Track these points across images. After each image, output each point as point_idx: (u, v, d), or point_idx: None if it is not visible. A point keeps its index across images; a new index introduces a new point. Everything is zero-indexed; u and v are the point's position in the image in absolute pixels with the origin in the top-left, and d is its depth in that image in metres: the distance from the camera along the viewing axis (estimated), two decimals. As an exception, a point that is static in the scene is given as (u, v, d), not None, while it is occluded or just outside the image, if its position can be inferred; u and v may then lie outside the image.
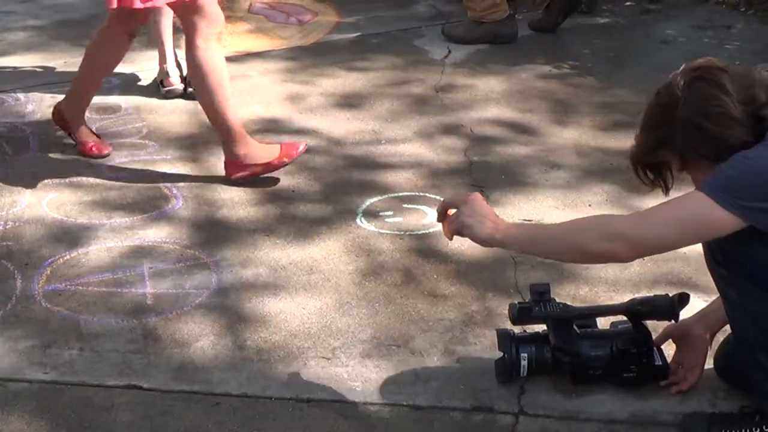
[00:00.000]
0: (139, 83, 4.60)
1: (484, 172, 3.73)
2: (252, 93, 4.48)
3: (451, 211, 2.32)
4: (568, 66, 4.83)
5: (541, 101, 4.42)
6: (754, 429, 2.29)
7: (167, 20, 4.39)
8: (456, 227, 2.28)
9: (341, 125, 4.08)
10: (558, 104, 4.37)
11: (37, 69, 4.82)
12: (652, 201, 3.37)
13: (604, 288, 2.96)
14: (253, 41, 5.19)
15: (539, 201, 3.50)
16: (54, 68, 4.82)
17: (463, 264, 3.11)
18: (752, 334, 2.26)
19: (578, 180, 3.65)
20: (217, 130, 3.62)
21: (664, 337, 2.56)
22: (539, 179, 3.66)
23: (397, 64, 4.81)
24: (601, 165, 3.77)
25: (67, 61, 4.87)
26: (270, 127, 4.09)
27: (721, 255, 2.22)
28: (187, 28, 3.52)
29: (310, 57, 4.95)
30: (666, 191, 2.31)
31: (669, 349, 2.56)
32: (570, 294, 2.90)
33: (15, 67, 4.84)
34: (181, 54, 4.53)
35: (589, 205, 3.45)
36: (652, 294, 2.59)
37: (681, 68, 2.21)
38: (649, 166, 2.29)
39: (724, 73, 2.13)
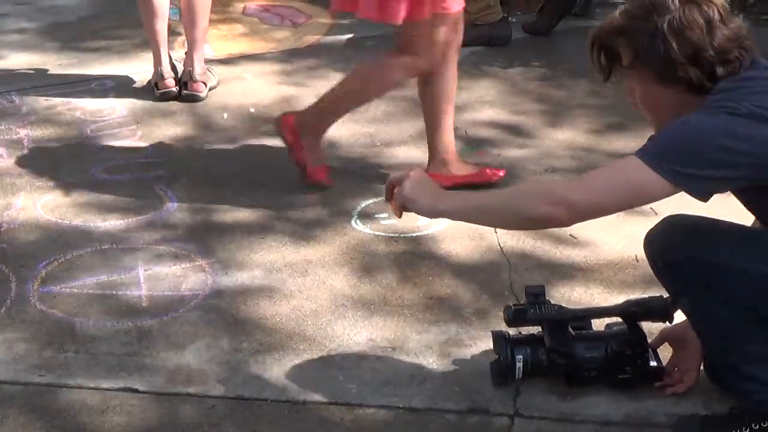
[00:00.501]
0: (134, 85, 4.60)
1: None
2: (247, 95, 4.48)
3: (396, 189, 2.33)
4: (562, 68, 4.84)
5: (535, 103, 4.43)
6: (743, 429, 2.31)
7: (162, 22, 4.39)
8: (400, 202, 2.30)
9: (336, 127, 4.06)
10: (552, 106, 4.38)
11: (32, 71, 4.81)
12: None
13: (599, 289, 2.97)
14: (247, 43, 5.20)
15: (534, 203, 3.50)
16: (49, 70, 4.82)
17: (458, 266, 3.12)
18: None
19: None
20: (431, 143, 3.61)
21: (660, 341, 2.57)
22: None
23: (391, 67, 4.81)
24: (595, 167, 3.75)
25: (62, 63, 4.87)
26: (264, 130, 4.10)
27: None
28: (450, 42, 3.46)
29: (304, 59, 4.96)
30: (606, 80, 2.33)
31: (666, 352, 2.57)
32: (564, 296, 2.91)
33: (10, 69, 4.84)
34: (176, 56, 4.55)
35: (584, 208, 3.45)
36: (646, 296, 2.59)
37: None
38: (605, 48, 2.29)
39: (718, 12, 2.15)
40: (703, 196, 2.11)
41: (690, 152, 2.06)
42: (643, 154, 2.10)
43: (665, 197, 2.11)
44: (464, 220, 2.39)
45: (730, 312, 2.24)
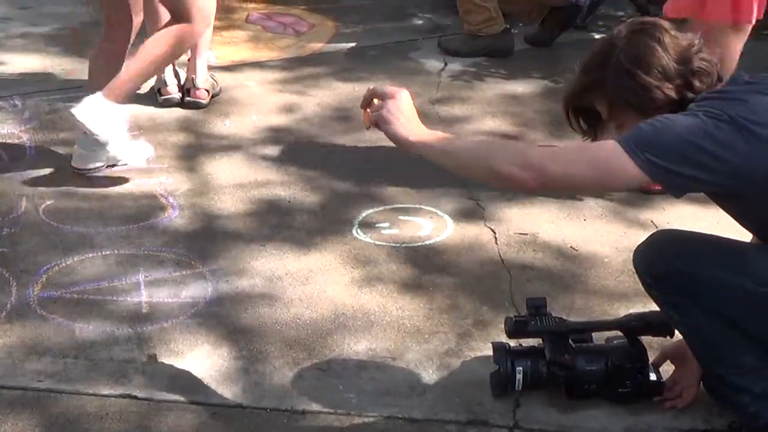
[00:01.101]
0: (137, 92, 4.58)
1: (480, 185, 3.72)
2: (249, 103, 4.48)
3: (376, 102, 2.26)
4: (564, 80, 4.83)
5: (536, 114, 4.43)
6: None
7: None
8: (375, 119, 2.23)
9: (338, 136, 4.08)
10: (554, 118, 4.37)
11: (35, 75, 4.81)
12: (650, 214, 3.41)
13: (599, 302, 2.97)
14: (250, 51, 5.20)
15: (535, 215, 3.51)
16: (52, 75, 4.82)
17: (459, 276, 3.12)
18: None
19: (574, 194, 3.66)
20: None
21: (661, 358, 2.57)
22: (535, 193, 3.66)
23: (393, 76, 4.82)
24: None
25: (65, 68, 4.87)
26: (266, 137, 4.10)
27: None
28: None
29: (307, 67, 4.96)
30: (594, 140, 2.34)
31: (668, 368, 2.58)
32: (565, 308, 2.91)
33: (12, 74, 4.83)
34: (179, 62, 4.55)
35: (584, 219, 3.46)
36: (647, 310, 2.59)
37: (627, 21, 2.28)
38: (580, 111, 2.33)
39: (665, 31, 2.20)
40: (674, 191, 2.13)
41: (666, 145, 2.07)
42: (621, 139, 2.10)
43: (636, 185, 2.13)
44: (432, 160, 2.26)
45: (719, 325, 2.24)
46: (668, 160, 2.05)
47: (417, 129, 2.21)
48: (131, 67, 3.67)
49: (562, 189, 2.23)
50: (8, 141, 4.06)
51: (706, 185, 2.15)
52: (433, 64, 5.05)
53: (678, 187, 2.12)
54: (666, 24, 2.23)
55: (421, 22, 5.77)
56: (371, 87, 2.30)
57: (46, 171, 3.79)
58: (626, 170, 2.07)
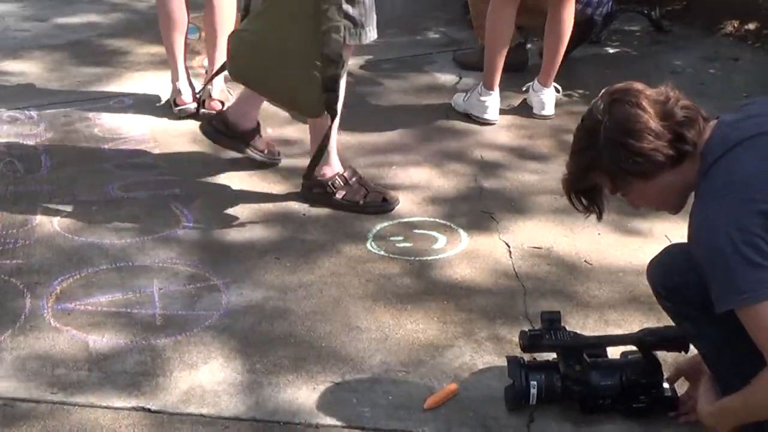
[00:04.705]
0: (152, 102, 4.61)
1: (494, 198, 3.74)
2: (264, 115, 4.48)
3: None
4: (578, 95, 4.84)
5: (550, 129, 4.43)
6: None
7: (180, 36, 4.40)
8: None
9: (352, 149, 4.08)
10: (567, 132, 4.35)
11: (51, 87, 4.83)
12: (664, 228, 3.39)
13: (614, 316, 2.96)
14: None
15: (549, 228, 3.50)
16: (68, 87, 4.84)
17: (472, 290, 3.11)
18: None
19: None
20: None
21: (675, 374, 2.56)
22: (548, 206, 3.66)
23: (408, 90, 4.83)
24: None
25: (81, 80, 4.89)
26: (281, 150, 4.10)
27: None
28: None
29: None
30: (600, 216, 2.40)
31: (683, 383, 2.56)
32: (579, 322, 2.90)
33: (29, 85, 4.86)
34: (193, 72, 4.57)
35: (599, 234, 3.45)
36: (662, 325, 2.58)
37: (601, 92, 2.30)
38: (582, 192, 2.37)
39: (640, 94, 2.22)
40: None
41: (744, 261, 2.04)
42: (729, 300, 2.08)
43: None
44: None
45: (731, 335, 2.22)
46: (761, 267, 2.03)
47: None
48: None
49: None
50: (24, 152, 4.08)
51: None
52: (448, 77, 5.05)
53: None
54: (639, 86, 2.25)
55: (436, 36, 5.77)
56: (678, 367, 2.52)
57: (61, 183, 3.80)
58: None
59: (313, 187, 3.65)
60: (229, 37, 3.58)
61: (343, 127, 4.07)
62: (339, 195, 3.62)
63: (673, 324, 2.48)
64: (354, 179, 3.66)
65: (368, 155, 4.09)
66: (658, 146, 2.17)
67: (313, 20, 3.22)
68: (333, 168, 3.65)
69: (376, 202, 3.62)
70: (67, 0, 6.23)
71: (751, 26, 5.70)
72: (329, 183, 3.62)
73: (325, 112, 3.35)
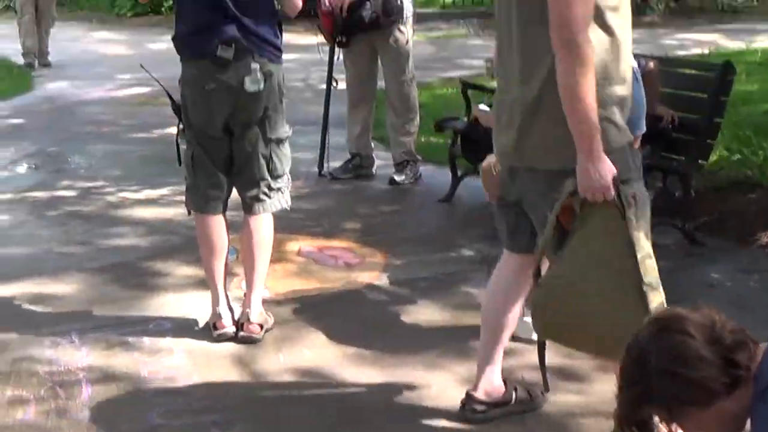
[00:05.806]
0: (191, 326, 4.63)
1: (538, 421, 3.68)
2: (298, 336, 4.50)
3: None
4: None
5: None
6: None
7: (219, 262, 4.48)
8: None
9: (389, 369, 4.06)
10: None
11: (92, 311, 4.86)
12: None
13: None
14: (301, 283, 5.25)
15: None
16: (108, 311, 4.87)
17: None
18: None
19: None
20: None
21: None
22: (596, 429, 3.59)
23: (444, 309, 4.82)
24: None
25: (121, 303, 4.94)
26: (314, 380, 4.09)
27: None
28: None
29: (357, 307, 4.94)
30: None
31: None
32: None
33: (71, 311, 4.88)
34: (233, 296, 4.62)
35: None
36: None
37: (645, 322, 2.28)
38: (637, 425, 2.27)
39: (686, 320, 2.19)
40: None
41: None
42: None
43: None
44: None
45: None
46: None
47: None
48: None
49: None
50: (65, 378, 4.08)
51: None
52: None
53: None
54: (683, 311, 2.24)
55: (471, 253, 5.78)
56: None
57: (102, 411, 3.78)
58: None
59: None
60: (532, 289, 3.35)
61: (375, 347, 4.07)
62: None
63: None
64: None
65: (401, 377, 4.05)
66: (711, 373, 2.13)
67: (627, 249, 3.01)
68: None
69: None
70: (109, 222, 6.37)
71: (787, 238, 5.72)
72: None
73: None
